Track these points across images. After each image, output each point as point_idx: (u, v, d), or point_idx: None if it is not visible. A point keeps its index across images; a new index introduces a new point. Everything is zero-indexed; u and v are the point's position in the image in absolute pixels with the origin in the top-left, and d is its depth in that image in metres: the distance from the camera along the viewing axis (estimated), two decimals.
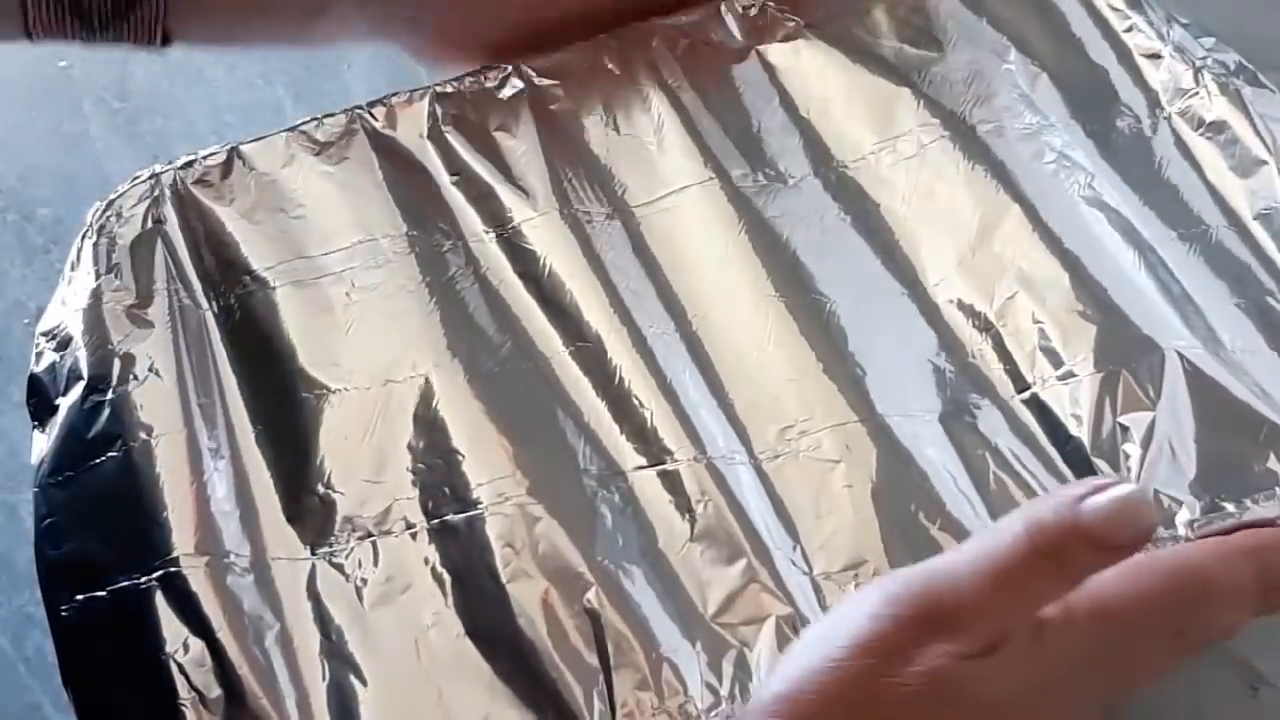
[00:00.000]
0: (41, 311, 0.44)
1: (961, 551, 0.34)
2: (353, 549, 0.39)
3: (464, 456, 0.40)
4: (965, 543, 0.34)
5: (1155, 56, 0.47)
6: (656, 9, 0.48)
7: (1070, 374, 0.41)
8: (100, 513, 0.40)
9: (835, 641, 0.33)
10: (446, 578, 0.39)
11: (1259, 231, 0.43)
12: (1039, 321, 0.42)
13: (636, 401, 0.41)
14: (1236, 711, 0.42)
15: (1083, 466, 0.39)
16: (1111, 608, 0.34)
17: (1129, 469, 0.39)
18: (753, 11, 0.49)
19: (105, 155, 0.49)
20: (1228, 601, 0.36)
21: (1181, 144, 0.45)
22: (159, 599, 0.38)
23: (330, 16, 0.46)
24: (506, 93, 0.48)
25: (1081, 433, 0.40)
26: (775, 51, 0.48)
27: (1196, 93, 0.46)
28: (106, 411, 0.42)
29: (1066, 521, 0.32)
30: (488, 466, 0.40)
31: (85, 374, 0.42)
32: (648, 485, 0.40)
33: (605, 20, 0.48)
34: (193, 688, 0.37)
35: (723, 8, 0.49)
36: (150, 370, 0.42)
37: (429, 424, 0.41)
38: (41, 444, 0.42)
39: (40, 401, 0.43)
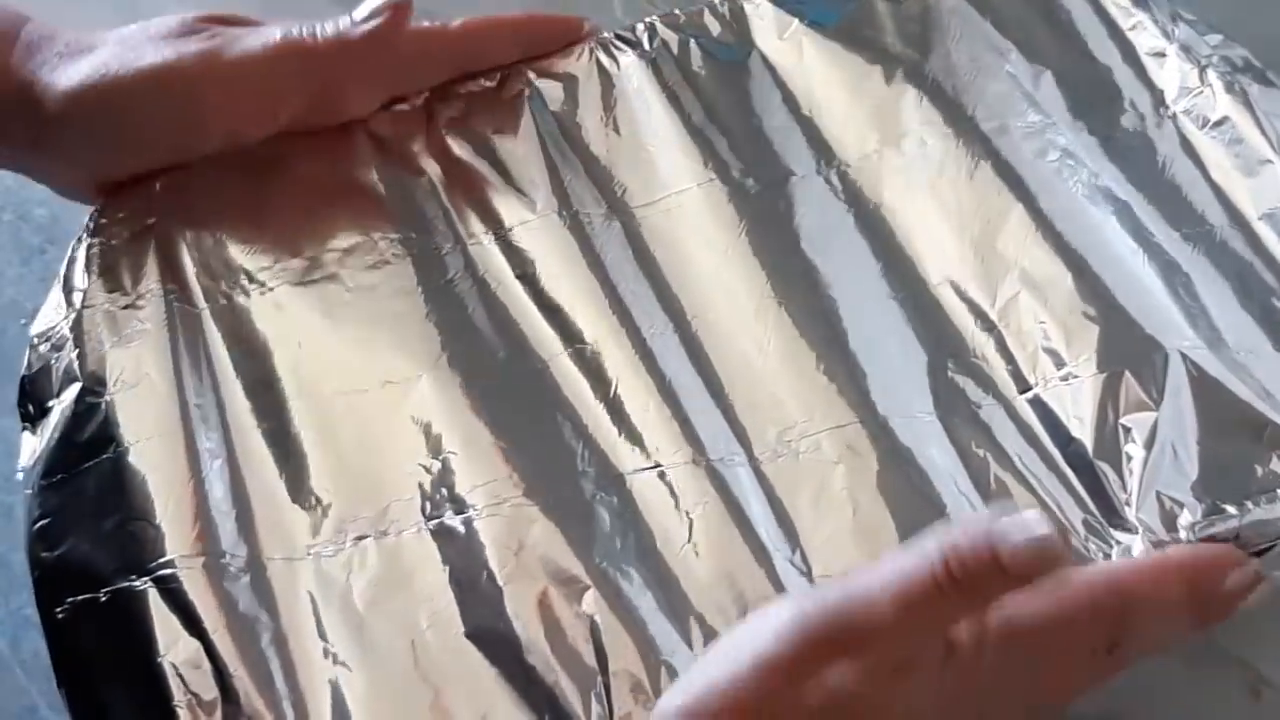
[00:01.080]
0: (38, 312, 0.44)
1: (877, 571, 0.33)
2: (349, 550, 0.39)
3: (461, 458, 0.40)
4: (883, 561, 0.34)
5: (1160, 55, 0.47)
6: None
7: (1072, 375, 0.40)
8: (95, 514, 0.40)
9: (741, 657, 0.33)
10: (444, 579, 0.38)
11: (1264, 231, 0.43)
12: (1041, 322, 0.41)
13: (635, 403, 0.41)
14: (1237, 712, 0.42)
15: (1085, 468, 0.39)
16: (1024, 626, 0.34)
17: (1131, 470, 0.39)
18: (752, 9, 0.48)
19: None
20: (1156, 618, 0.36)
21: (1186, 143, 0.45)
22: (154, 600, 0.38)
23: None
24: (506, 94, 0.48)
25: (1083, 434, 0.39)
26: (777, 49, 0.48)
27: (1201, 91, 0.45)
28: (102, 413, 0.41)
29: (980, 550, 0.32)
30: (485, 469, 0.40)
31: (80, 376, 0.42)
32: (646, 487, 0.40)
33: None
34: (188, 690, 0.37)
35: (726, 6, 0.49)
36: (145, 372, 0.42)
37: (426, 426, 0.41)
38: (32, 445, 0.42)
39: (31, 404, 0.43)
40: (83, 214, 0.46)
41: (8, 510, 0.47)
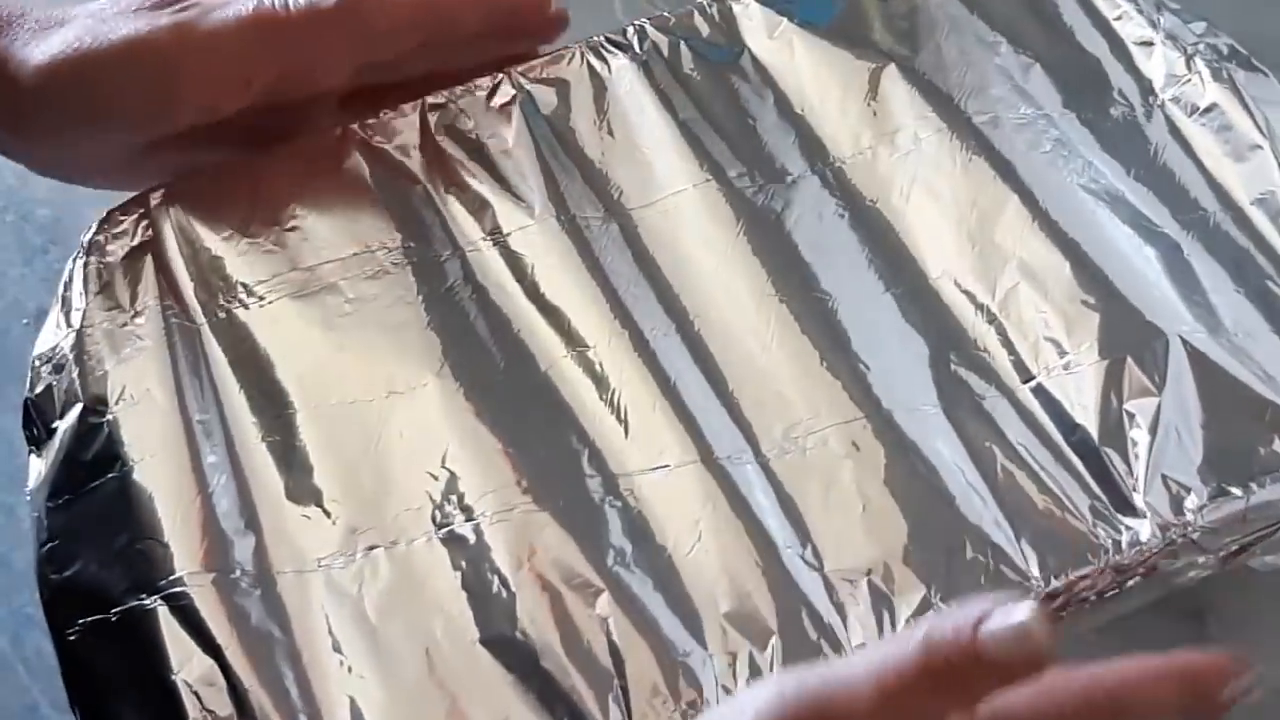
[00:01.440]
0: (40, 311, 0.44)
1: (861, 655, 0.33)
2: (360, 561, 0.39)
3: (468, 465, 0.40)
4: (867, 647, 0.34)
5: (1147, 44, 0.47)
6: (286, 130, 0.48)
7: (1075, 363, 0.41)
8: (103, 534, 0.39)
9: None
10: (456, 587, 0.38)
11: (1257, 216, 0.43)
12: (1042, 311, 0.42)
13: (640, 404, 0.41)
14: (1236, 711, 0.42)
15: (1090, 455, 0.39)
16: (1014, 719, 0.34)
17: (1137, 455, 0.39)
18: (740, 9, 0.49)
19: None
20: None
21: (1176, 131, 0.45)
22: (165, 618, 0.38)
23: None
24: (499, 100, 0.47)
25: (1088, 421, 0.40)
26: (767, 49, 0.48)
27: (1189, 79, 0.46)
28: (105, 433, 0.41)
29: (964, 643, 0.32)
30: (492, 475, 0.40)
31: (82, 396, 0.42)
32: (654, 488, 0.40)
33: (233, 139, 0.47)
34: (203, 707, 0.36)
35: (715, 8, 0.49)
36: (147, 388, 0.42)
37: (431, 434, 0.41)
38: (38, 468, 0.42)
39: (36, 426, 0.42)
40: (86, 213, 0.46)
41: (8, 509, 0.47)
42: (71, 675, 0.38)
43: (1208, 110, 0.45)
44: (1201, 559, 0.39)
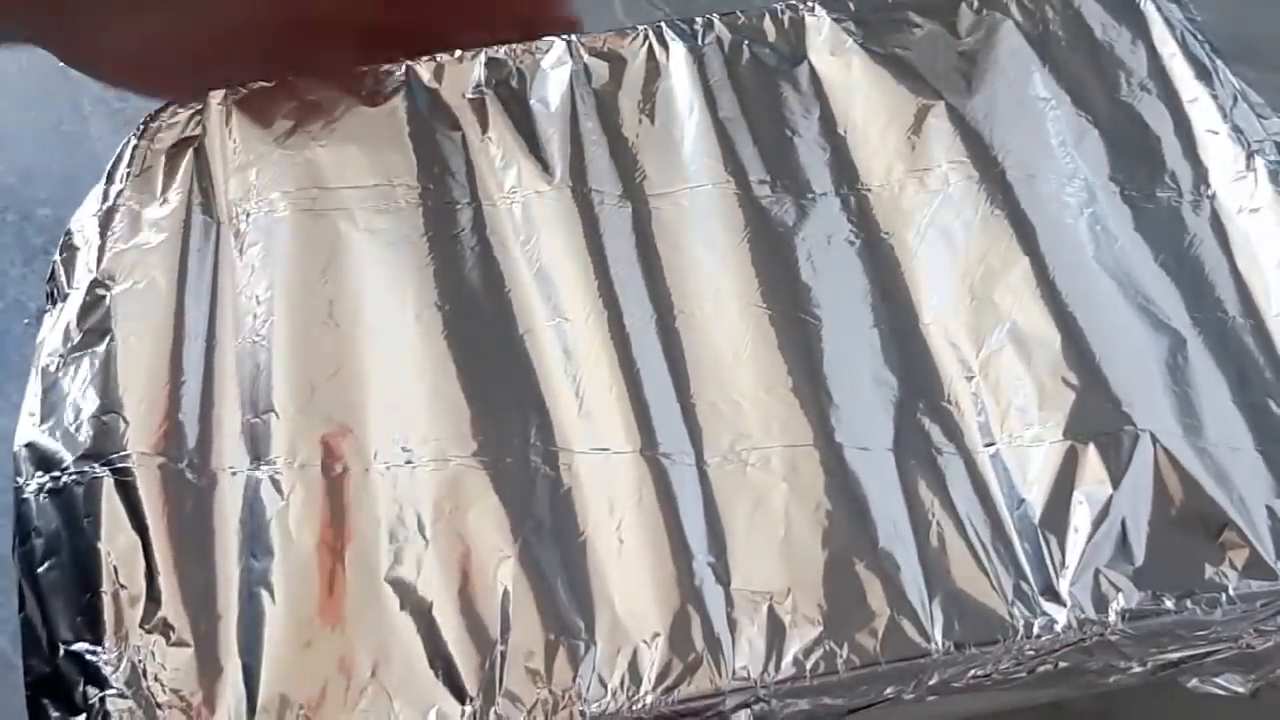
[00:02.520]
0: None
1: None
2: (295, 474, 0.40)
3: (422, 408, 0.41)
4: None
5: (1212, 133, 0.45)
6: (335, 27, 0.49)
7: (1038, 438, 0.40)
8: (80, 399, 0.41)
9: None
10: (376, 521, 0.39)
11: (1277, 329, 0.41)
12: (1020, 380, 0.41)
13: (599, 385, 0.41)
14: (1237, 711, 0.40)
15: (1029, 533, 0.38)
16: None
17: (1074, 544, 0.38)
18: (813, 21, 0.48)
19: (105, 155, 0.47)
20: None
21: (1218, 226, 0.43)
22: (108, 490, 0.39)
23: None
24: (555, 66, 0.48)
25: (1035, 499, 0.39)
26: (827, 64, 0.47)
27: (1244, 176, 0.44)
28: (104, 308, 0.43)
29: None
30: (442, 423, 0.41)
31: (95, 270, 0.44)
32: (590, 469, 0.40)
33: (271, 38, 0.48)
34: (117, 580, 0.38)
35: (787, 15, 0.49)
36: (153, 276, 0.44)
37: (398, 372, 0.42)
38: (48, 325, 0.44)
39: (55, 287, 0.45)
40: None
41: (8, 510, 0.48)
42: (18, 527, 0.40)
43: (1255, 211, 0.43)
44: (1123, 664, 0.38)
